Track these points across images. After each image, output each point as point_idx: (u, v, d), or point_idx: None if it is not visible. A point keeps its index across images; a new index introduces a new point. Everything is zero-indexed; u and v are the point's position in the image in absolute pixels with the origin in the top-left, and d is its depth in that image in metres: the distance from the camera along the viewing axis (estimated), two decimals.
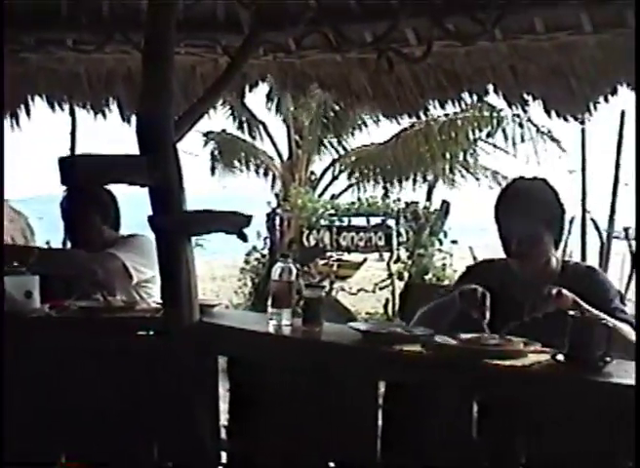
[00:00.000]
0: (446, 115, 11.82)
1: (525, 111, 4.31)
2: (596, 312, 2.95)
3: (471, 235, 13.98)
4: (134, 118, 3.56)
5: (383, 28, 4.03)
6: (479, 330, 2.99)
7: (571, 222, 10.21)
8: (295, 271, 3.33)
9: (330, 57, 4.39)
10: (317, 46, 4.35)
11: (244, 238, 3.46)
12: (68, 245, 4.54)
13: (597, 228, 10.31)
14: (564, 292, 3.00)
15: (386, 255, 11.20)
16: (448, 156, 12.83)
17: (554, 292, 2.98)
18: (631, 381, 2.50)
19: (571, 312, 2.76)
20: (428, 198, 11.99)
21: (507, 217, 3.35)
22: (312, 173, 14.45)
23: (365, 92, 4.54)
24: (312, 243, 11.03)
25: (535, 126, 12.56)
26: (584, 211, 10.04)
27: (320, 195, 13.56)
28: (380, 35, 4.08)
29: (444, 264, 10.84)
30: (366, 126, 13.96)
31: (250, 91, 4.77)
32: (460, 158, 13.14)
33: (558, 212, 3.38)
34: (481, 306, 3.04)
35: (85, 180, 3.55)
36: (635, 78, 3.03)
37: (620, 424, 2.49)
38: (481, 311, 3.03)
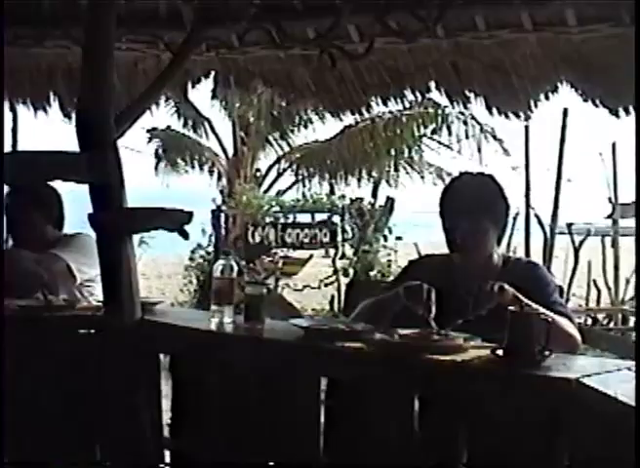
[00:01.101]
0: (391, 112, 11.88)
1: (467, 108, 4.34)
2: (535, 306, 2.98)
3: (416, 231, 14.05)
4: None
5: (326, 25, 4.02)
6: (423, 325, 3.00)
7: (515, 218, 10.33)
8: (236, 268, 3.31)
9: (273, 53, 4.38)
10: (260, 42, 4.33)
11: (185, 235, 3.44)
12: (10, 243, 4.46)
13: (541, 224, 10.42)
14: (506, 287, 3.02)
15: (332, 252, 11.22)
16: (393, 153, 12.89)
17: (496, 287, 3.01)
18: (571, 374, 2.53)
19: (510, 307, 2.78)
20: (374, 195, 12.01)
21: (452, 212, 3.36)
22: (258, 169, 14.43)
23: (308, 88, 4.53)
24: (257, 240, 11.01)
25: (479, 123, 12.67)
26: (528, 206, 10.13)
27: (265, 192, 13.54)
28: (322, 32, 4.07)
29: (389, 261, 10.87)
30: (311, 123, 13.96)
31: (193, 87, 4.74)
32: (405, 155, 13.21)
33: (502, 207, 3.40)
34: (426, 302, 3.05)
35: (23, 178, 3.50)
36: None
37: (560, 417, 2.52)
38: (427, 307, 3.04)
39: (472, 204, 3.29)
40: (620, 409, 2.28)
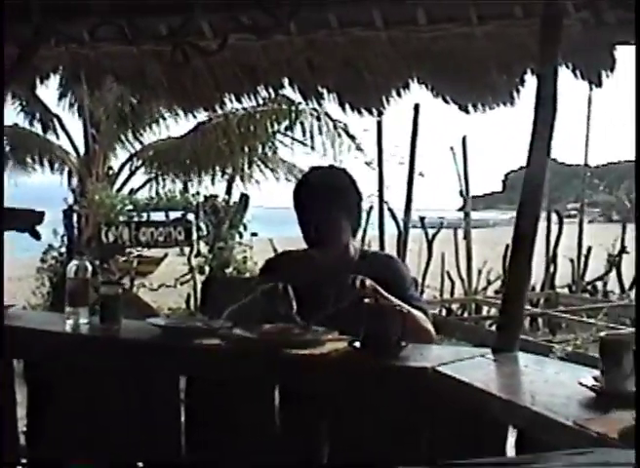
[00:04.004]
0: (244, 109, 11.85)
1: (320, 104, 4.36)
2: (391, 298, 3.03)
3: (272, 227, 14.10)
4: None
5: (179, 21, 3.99)
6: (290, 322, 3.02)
7: (369, 213, 10.50)
8: (90, 268, 3.25)
9: (124, 49, 4.30)
10: (111, 38, 4.25)
11: (36, 236, 3.35)
12: None
13: (394, 218, 10.62)
14: (367, 281, 3.06)
15: (187, 250, 11.13)
16: (247, 149, 12.88)
17: (358, 281, 3.04)
18: (427, 363, 2.59)
19: (366, 300, 2.83)
20: (228, 192, 11.97)
21: (305, 205, 3.38)
22: (110, 168, 14.15)
23: (160, 85, 4.47)
24: (111, 239, 10.81)
25: (332, 120, 12.78)
26: (382, 201, 10.32)
27: (118, 190, 13.30)
28: (175, 28, 4.03)
29: (245, 257, 10.86)
30: (164, 119, 13.80)
31: (41, 83, 4.61)
32: (259, 151, 13.21)
33: (355, 198, 3.44)
34: (285, 300, 3.06)
35: None
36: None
37: (419, 405, 2.58)
38: (287, 304, 3.05)
39: (324, 196, 3.32)
40: (476, 393, 2.35)
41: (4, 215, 3.33)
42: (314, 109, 12.17)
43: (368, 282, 3.05)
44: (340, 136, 12.86)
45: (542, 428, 2.11)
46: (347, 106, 4.22)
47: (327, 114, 12.51)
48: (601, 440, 1.86)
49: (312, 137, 12.64)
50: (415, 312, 3.08)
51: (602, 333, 2.43)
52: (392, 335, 2.70)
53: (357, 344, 2.75)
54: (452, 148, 11.75)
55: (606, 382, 2.22)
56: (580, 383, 2.24)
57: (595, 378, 2.26)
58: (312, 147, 12.88)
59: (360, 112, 4.22)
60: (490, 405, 2.33)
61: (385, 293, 3.04)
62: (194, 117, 4.89)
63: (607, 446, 1.81)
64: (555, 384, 2.40)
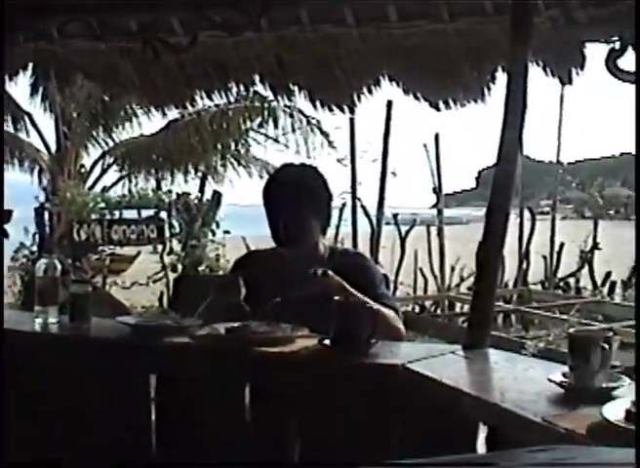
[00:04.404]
0: (217, 106, 11.81)
1: (291, 101, 4.35)
2: (361, 296, 3.03)
3: (245, 225, 14.08)
4: None
5: (149, 17, 3.96)
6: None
7: (342, 210, 10.50)
8: (60, 267, 3.22)
9: (94, 46, 4.27)
10: (80, 34, 4.22)
11: (4, 234, 3.33)
12: None
13: (367, 215, 10.62)
14: (330, 273, 3.06)
15: (160, 248, 11.10)
16: (219, 147, 12.85)
17: (320, 271, 3.04)
18: (397, 360, 2.60)
19: (336, 297, 2.82)
20: (201, 189, 11.94)
21: (274, 203, 3.38)
22: (82, 165, 14.07)
23: (131, 82, 4.44)
24: (83, 237, 10.76)
25: (305, 116, 12.77)
26: (355, 198, 10.31)
27: (90, 188, 13.23)
28: (145, 24, 4.01)
29: (217, 255, 10.84)
30: (137, 117, 13.73)
31: (10, 80, 4.57)
32: (232, 148, 13.18)
33: (325, 197, 3.44)
34: (234, 289, 3.06)
35: None
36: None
37: (389, 402, 2.58)
38: (237, 293, 3.05)
39: (293, 194, 3.32)
40: (446, 390, 2.36)
41: None
42: (287, 106, 12.16)
43: (331, 275, 3.05)
44: (313, 132, 12.86)
45: (511, 425, 2.12)
46: (318, 103, 4.21)
47: (300, 111, 12.51)
48: (569, 436, 1.87)
49: (285, 134, 12.64)
50: (384, 310, 3.08)
51: (571, 330, 2.44)
52: (363, 333, 2.70)
53: (327, 342, 2.74)
54: (425, 145, 11.76)
55: (574, 379, 2.23)
56: (549, 379, 2.25)
57: (564, 375, 2.27)
58: (286, 145, 12.89)
59: (331, 109, 4.21)
60: (459, 401, 2.33)
61: (352, 290, 3.03)
62: (165, 115, 4.86)
63: (575, 442, 1.81)
64: (525, 381, 2.41)
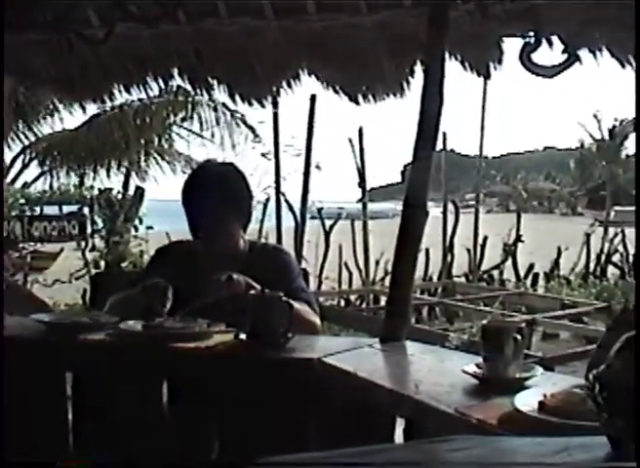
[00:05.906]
0: (140, 100, 11.68)
1: (210, 95, 4.32)
2: (276, 291, 3.01)
3: (168, 220, 13.97)
4: None
5: (64, 8, 3.89)
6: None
7: (266, 204, 10.46)
8: None
9: (7, 37, 4.17)
10: None
11: None
12: None
13: (291, 209, 10.60)
14: (235, 276, 3.05)
15: (83, 244, 10.96)
16: (143, 142, 12.71)
17: (224, 278, 3.03)
18: (314, 354, 2.60)
19: (251, 292, 2.81)
20: (125, 185, 11.82)
21: (193, 200, 3.37)
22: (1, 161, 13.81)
23: (47, 75, 4.36)
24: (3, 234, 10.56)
25: (229, 110, 12.71)
26: (278, 192, 10.28)
27: (10, 184, 12.99)
28: (60, 15, 3.93)
29: (141, 251, 10.72)
30: (58, 111, 13.51)
31: None
32: (156, 144, 13.06)
33: (245, 194, 3.44)
34: (162, 298, 3.02)
35: None
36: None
37: (306, 396, 2.58)
38: (162, 303, 3.01)
39: (213, 191, 3.31)
40: (361, 383, 2.36)
41: None
42: (211, 100, 12.08)
43: (236, 277, 3.04)
44: (238, 126, 12.80)
45: (426, 416, 2.12)
46: (238, 97, 4.18)
47: (224, 105, 12.44)
48: (480, 426, 1.88)
49: (209, 129, 12.56)
50: (297, 305, 3.06)
51: (484, 321, 2.46)
52: (278, 327, 2.69)
53: (243, 336, 2.73)
54: (350, 140, 11.78)
55: (488, 369, 2.25)
56: (463, 371, 2.26)
57: (478, 365, 2.29)
58: (211, 139, 12.80)
59: (250, 103, 4.19)
60: (374, 394, 2.33)
61: (258, 286, 3.00)
62: (84, 109, 4.77)
63: (486, 432, 1.83)
64: (440, 372, 2.43)
